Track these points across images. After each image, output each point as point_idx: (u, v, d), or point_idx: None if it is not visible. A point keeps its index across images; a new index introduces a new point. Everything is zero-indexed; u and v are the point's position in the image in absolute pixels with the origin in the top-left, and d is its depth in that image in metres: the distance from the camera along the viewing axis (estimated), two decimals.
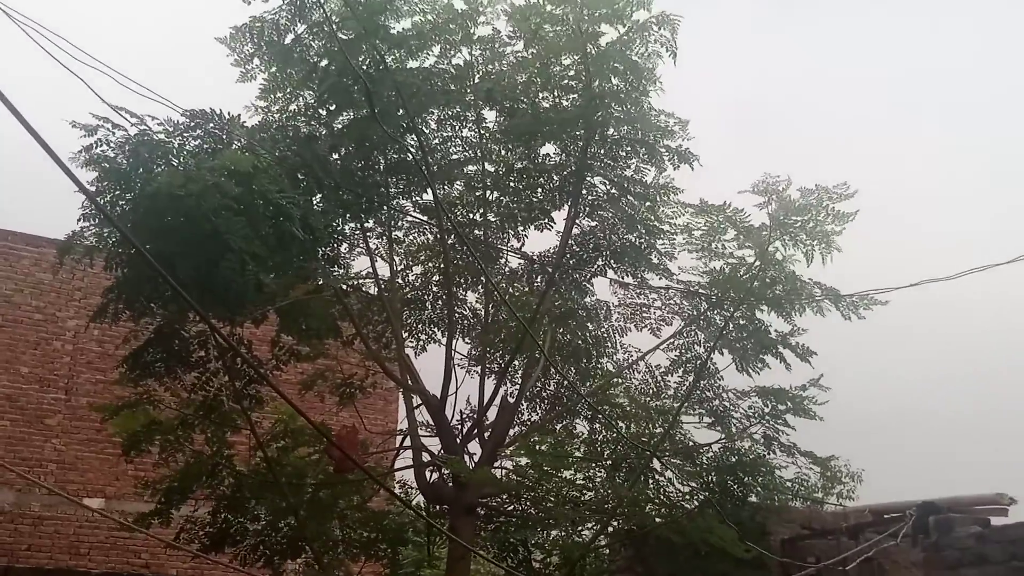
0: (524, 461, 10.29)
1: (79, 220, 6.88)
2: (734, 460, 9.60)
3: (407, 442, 10.18)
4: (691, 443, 10.07)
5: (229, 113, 7.32)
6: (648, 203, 9.92)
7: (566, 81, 9.14)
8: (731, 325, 9.74)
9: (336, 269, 9.26)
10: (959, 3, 40.55)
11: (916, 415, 28.09)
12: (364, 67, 8.39)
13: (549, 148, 9.76)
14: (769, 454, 9.76)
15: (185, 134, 6.91)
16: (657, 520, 9.63)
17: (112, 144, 6.52)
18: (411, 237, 10.76)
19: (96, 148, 6.55)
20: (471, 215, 10.40)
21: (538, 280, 10.65)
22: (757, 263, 9.38)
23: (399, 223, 10.35)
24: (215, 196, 6.09)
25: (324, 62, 8.65)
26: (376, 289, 10.23)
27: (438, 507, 10.48)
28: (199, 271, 6.19)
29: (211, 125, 7.11)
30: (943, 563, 9.06)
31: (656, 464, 9.66)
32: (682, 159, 9.37)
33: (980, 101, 39.52)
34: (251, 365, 8.44)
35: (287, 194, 6.69)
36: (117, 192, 6.53)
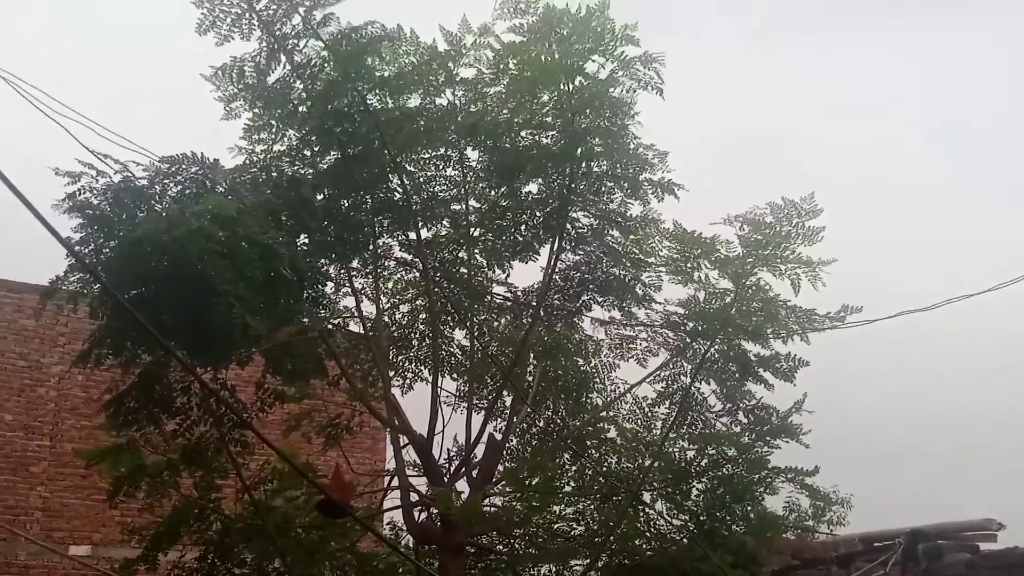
0: (513, 496, 10.22)
1: (65, 270, 6.83)
2: (720, 490, 9.50)
3: (395, 482, 10.12)
4: (682, 466, 9.89)
5: (211, 158, 7.35)
6: (632, 236, 9.97)
7: (547, 119, 9.20)
8: (713, 353, 9.70)
9: (321, 310, 9.23)
10: (942, 32, 41.13)
11: (903, 444, 28.10)
12: (346, 109, 8.44)
13: (532, 186, 9.82)
14: (754, 476, 9.62)
15: (167, 179, 6.91)
16: (648, 553, 9.56)
17: (95, 191, 6.52)
18: (398, 276, 10.79)
19: (79, 195, 6.55)
20: (457, 253, 10.43)
21: (525, 316, 10.66)
22: (733, 292, 9.30)
23: (385, 262, 10.36)
24: (200, 240, 6.09)
25: (306, 104, 8.69)
26: (362, 328, 10.21)
27: (427, 547, 10.40)
28: (187, 316, 6.18)
29: (194, 169, 7.11)
30: None
31: (645, 497, 9.60)
32: (665, 190, 9.41)
33: (967, 127, 40.00)
34: (234, 412, 8.37)
35: (273, 235, 6.69)
36: (101, 239, 6.52)
